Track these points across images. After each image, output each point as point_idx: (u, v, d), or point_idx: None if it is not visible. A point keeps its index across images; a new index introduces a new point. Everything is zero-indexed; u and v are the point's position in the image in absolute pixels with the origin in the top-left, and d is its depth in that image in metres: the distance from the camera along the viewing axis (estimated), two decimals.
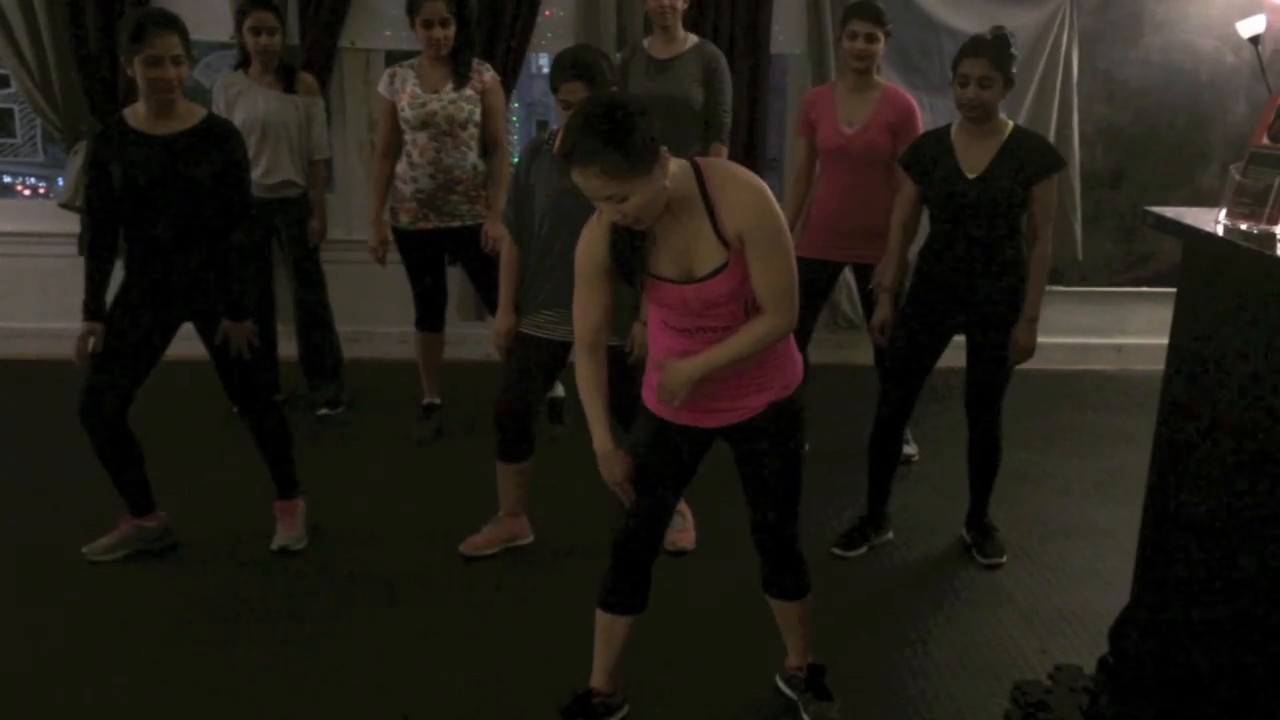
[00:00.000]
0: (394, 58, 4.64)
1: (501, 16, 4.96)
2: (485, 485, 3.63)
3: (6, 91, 5.18)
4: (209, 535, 3.61)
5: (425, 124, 4.11)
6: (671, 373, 2.35)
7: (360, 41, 5.10)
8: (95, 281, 3.25)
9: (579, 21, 5.03)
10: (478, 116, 4.17)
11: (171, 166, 3.11)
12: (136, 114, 3.17)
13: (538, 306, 3.27)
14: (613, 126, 2.08)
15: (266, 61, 4.37)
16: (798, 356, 2.52)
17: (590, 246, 2.35)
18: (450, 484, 4.06)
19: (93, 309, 3.24)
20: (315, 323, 4.68)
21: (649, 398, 2.49)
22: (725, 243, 2.25)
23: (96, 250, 3.25)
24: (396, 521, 3.75)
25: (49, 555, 3.46)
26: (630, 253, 2.29)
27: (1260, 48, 4.89)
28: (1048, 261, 3.38)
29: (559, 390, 4.05)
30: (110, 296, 3.30)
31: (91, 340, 3.23)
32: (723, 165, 2.37)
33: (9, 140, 5.03)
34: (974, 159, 3.28)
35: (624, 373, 3.06)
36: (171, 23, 3.09)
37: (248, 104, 4.35)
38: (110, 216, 3.21)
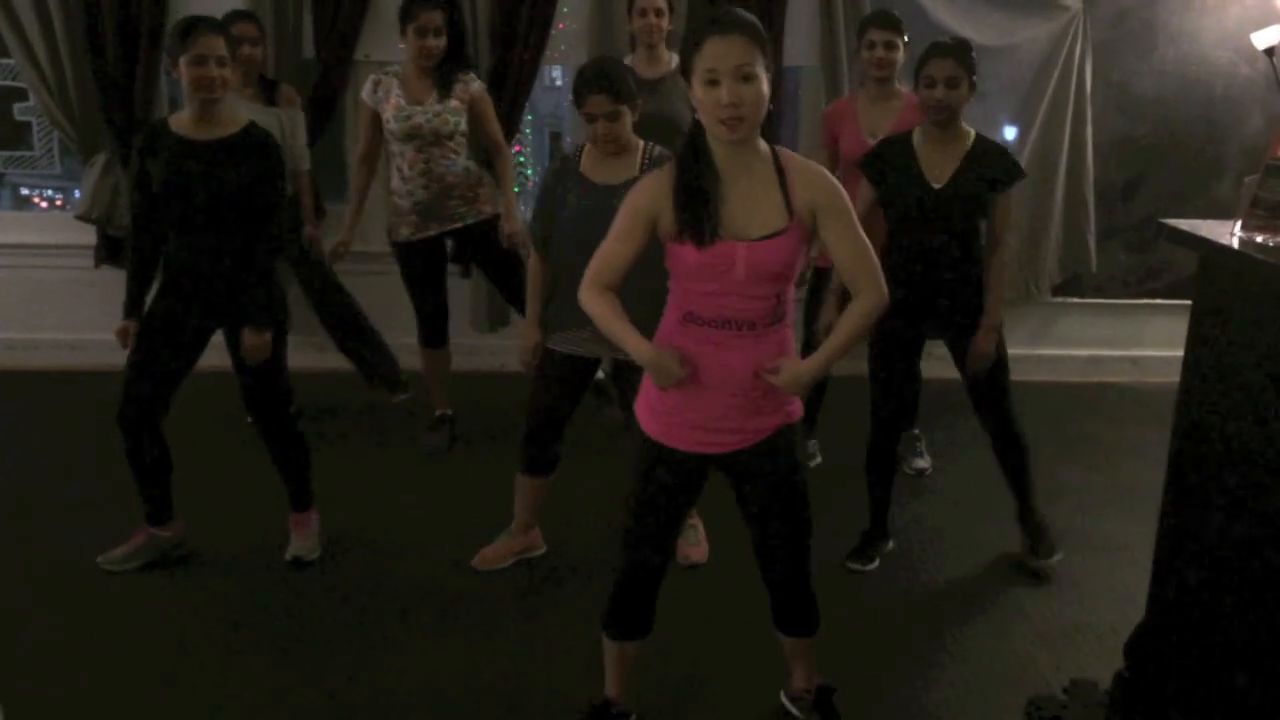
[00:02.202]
0: None
1: (515, 29, 4.98)
2: (496, 496, 3.63)
3: (24, 105, 5.28)
4: (221, 545, 3.61)
5: (410, 136, 4.11)
6: (791, 377, 2.29)
7: (375, 54, 5.12)
8: (136, 280, 3.32)
9: (593, 34, 5.05)
10: (463, 127, 4.16)
11: (209, 171, 3.14)
12: (180, 120, 3.22)
13: (568, 324, 3.23)
14: (753, 19, 2.18)
15: (247, 73, 4.38)
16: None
17: (649, 192, 2.28)
18: (461, 495, 4.07)
19: (130, 307, 3.30)
20: (344, 308, 4.71)
21: (646, 420, 2.43)
22: (789, 212, 2.24)
23: (137, 249, 3.32)
24: (408, 532, 3.76)
25: (65, 564, 3.47)
26: (702, 203, 2.22)
27: (1275, 60, 4.87)
28: (1005, 268, 3.42)
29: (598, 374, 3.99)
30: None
31: (126, 335, 3.29)
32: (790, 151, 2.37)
33: (27, 153, 5.08)
34: (939, 167, 3.29)
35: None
36: (218, 26, 3.17)
37: None
38: (150, 217, 3.26)
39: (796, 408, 2.43)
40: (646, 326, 2.37)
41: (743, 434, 2.37)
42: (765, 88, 2.16)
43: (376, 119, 4.19)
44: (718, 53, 2.12)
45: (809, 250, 2.35)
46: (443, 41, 4.09)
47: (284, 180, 3.37)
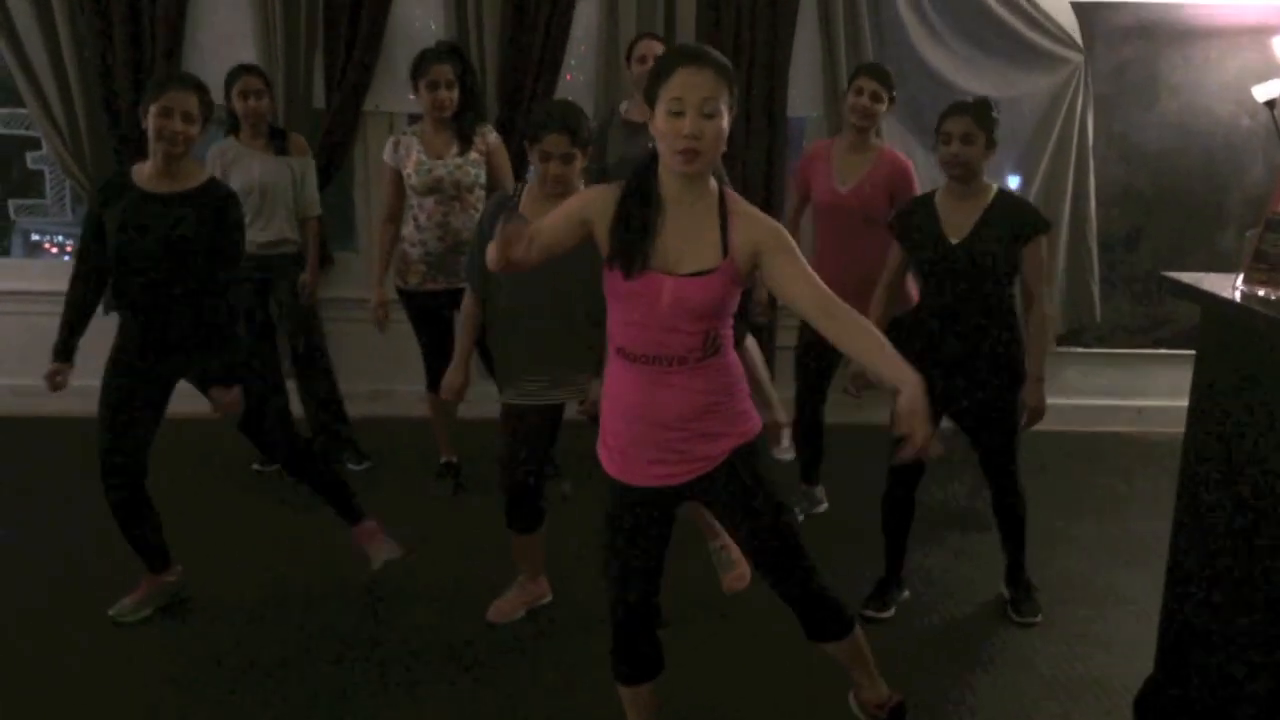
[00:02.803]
0: (417, 120, 4.71)
1: (523, 80, 5.05)
2: (503, 543, 3.62)
3: (37, 153, 5.40)
4: (219, 591, 3.61)
5: (432, 189, 4.17)
6: (909, 416, 2.07)
7: (384, 105, 5.19)
8: (70, 326, 3.34)
9: (599, 85, 5.11)
10: (483, 179, 4.23)
11: (165, 225, 3.17)
12: (142, 171, 3.26)
13: (519, 375, 3.20)
14: (722, 55, 2.21)
15: (256, 125, 4.45)
16: (752, 409, 2.42)
17: (589, 200, 2.29)
18: (467, 542, 4.06)
19: (60, 350, 3.34)
20: (315, 376, 4.73)
21: (605, 461, 2.41)
22: (724, 252, 2.23)
23: (73, 296, 3.34)
24: (412, 579, 3.74)
25: (63, 610, 3.47)
26: (638, 232, 2.22)
27: (1276, 112, 4.92)
28: (1046, 322, 3.41)
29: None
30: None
31: (54, 378, 3.32)
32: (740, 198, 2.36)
33: (39, 201, 5.16)
34: (958, 223, 3.31)
35: None
36: (196, 85, 3.22)
37: (243, 169, 4.43)
38: (92, 266, 3.30)
39: (751, 425, 2.39)
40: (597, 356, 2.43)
41: (693, 463, 2.35)
42: (725, 126, 2.17)
43: (398, 179, 4.25)
44: (687, 83, 2.14)
45: (739, 293, 2.31)
46: (455, 94, 4.15)
47: (243, 227, 3.38)
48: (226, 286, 3.29)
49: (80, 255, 3.33)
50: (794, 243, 2.27)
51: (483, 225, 3.23)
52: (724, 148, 2.22)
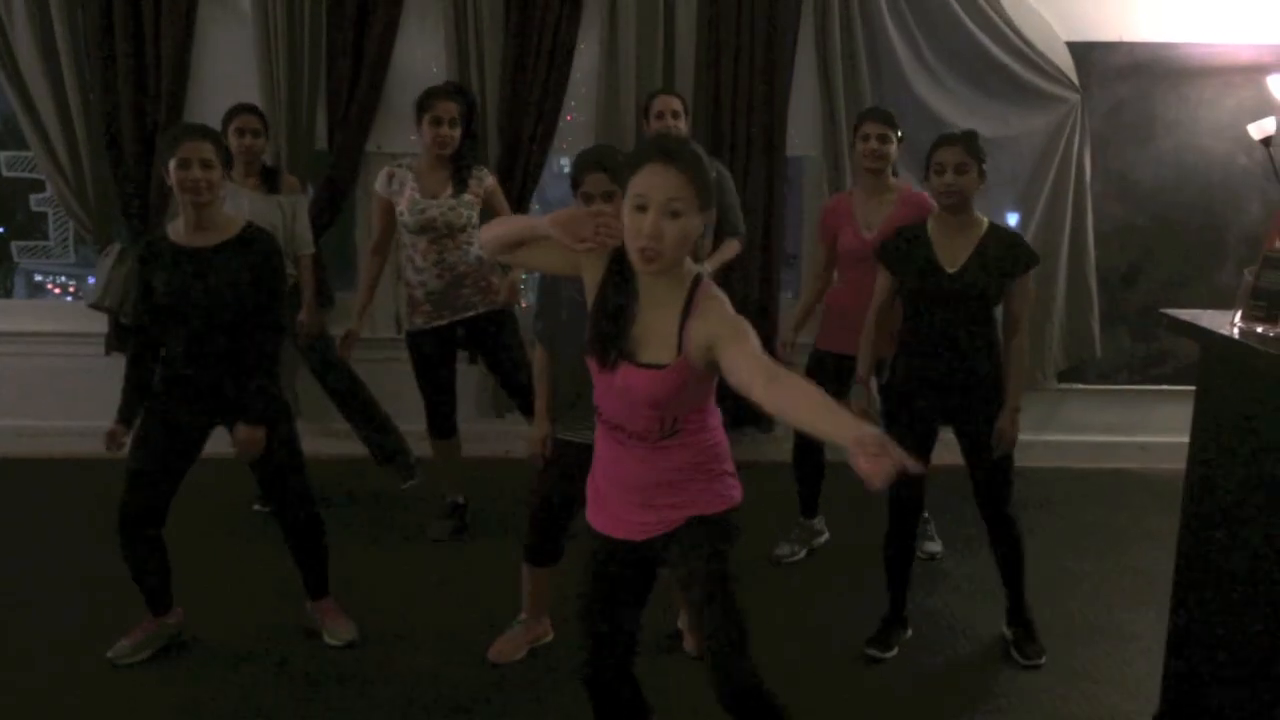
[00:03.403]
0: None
1: (524, 120, 5.09)
2: (504, 584, 3.61)
3: (40, 195, 5.44)
4: (221, 635, 3.59)
5: (424, 229, 4.17)
6: (858, 456, 1.75)
7: (386, 146, 5.23)
8: (133, 388, 3.32)
9: (599, 125, 5.15)
10: (476, 220, 4.21)
11: (206, 279, 3.18)
12: (177, 229, 3.27)
13: (575, 414, 3.26)
14: (700, 155, 2.17)
15: (249, 163, 4.47)
16: (727, 487, 2.34)
17: (596, 263, 2.25)
18: (469, 582, 4.04)
19: (124, 412, 3.31)
20: (352, 396, 4.75)
21: (589, 513, 2.44)
22: (678, 350, 2.17)
23: (136, 360, 3.34)
24: (414, 620, 3.72)
25: (67, 651, 3.45)
26: (614, 321, 2.20)
27: (1272, 150, 4.95)
28: (1026, 352, 3.46)
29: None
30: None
31: (116, 439, 3.28)
32: (718, 291, 2.25)
33: (42, 242, 5.20)
34: (952, 253, 3.33)
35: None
36: (206, 133, 3.23)
37: (233, 207, 4.42)
38: (150, 331, 3.30)
39: (716, 502, 2.31)
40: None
41: (645, 525, 2.33)
42: (693, 225, 2.12)
43: (390, 210, 4.25)
44: (653, 181, 2.08)
45: (708, 388, 2.26)
46: (458, 132, 4.17)
47: (284, 274, 3.40)
48: (264, 331, 3.28)
49: (138, 330, 3.35)
50: (749, 329, 2.13)
51: (545, 282, 3.29)
52: (689, 247, 2.15)
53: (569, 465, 3.26)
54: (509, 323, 4.35)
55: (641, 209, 2.09)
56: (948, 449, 3.61)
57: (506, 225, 2.39)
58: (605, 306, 2.21)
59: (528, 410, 4.23)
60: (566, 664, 3.43)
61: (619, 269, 2.22)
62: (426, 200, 4.17)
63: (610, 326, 2.21)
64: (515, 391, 4.33)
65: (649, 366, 2.19)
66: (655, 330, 2.20)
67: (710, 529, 2.30)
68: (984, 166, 3.32)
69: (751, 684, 2.27)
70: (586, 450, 3.23)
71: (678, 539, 2.31)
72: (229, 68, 5.12)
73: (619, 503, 2.35)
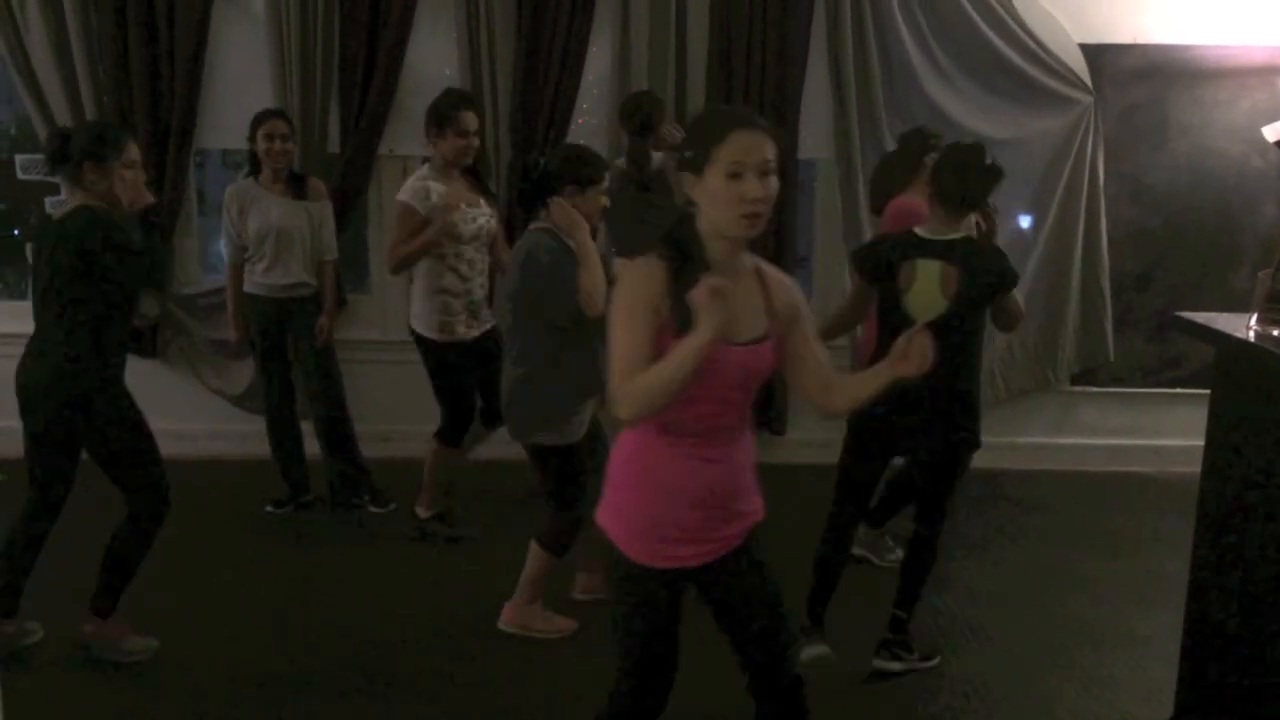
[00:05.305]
0: (426, 162, 4.73)
1: (536, 123, 5.10)
2: (503, 583, 3.61)
3: (55, 199, 5.46)
4: (220, 631, 3.59)
5: (475, 236, 4.15)
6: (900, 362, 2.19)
7: (398, 149, 5.24)
8: None
9: (611, 129, 5.15)
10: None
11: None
12: None
13: (566, 413, 3.34)
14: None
15: (277, 169, 4.48)
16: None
17: (645, 283, 2.12)
18: (469, 582, 4.03)
19: None
20: (333, 418, 4.72)
21: (628, 544, 2.23)
22: (770, 318, 2.21)
23: None
24: (413, 621, 3.72)
25: (65, 652, 3.43)
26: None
27: None
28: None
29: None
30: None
31: None
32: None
33: None
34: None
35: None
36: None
37: (260, 212, 4.47)
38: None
39: (761, 504, 2.33)
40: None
41: (709, 544, 2.24)
42: (778, 185, 2.14)
43: (423, 227, 4.07)
44: (746, 146, 2.09)
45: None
46: (478, 142, 4.19)
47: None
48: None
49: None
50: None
51: (555, 265, 3.30)
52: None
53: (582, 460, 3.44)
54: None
55: (736, 176, 2.08)
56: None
57: (660, 375, 2.08)
58: (681, 283, 2.09)
59: (490, 424, 4.37)
60: (568, 668, 3.44)
61: (686, 253, 2.13)
62: (472, 209, 4.14)
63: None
64: (495, 416, 4.22)
65: (752, 343, 2.17)
66: (741, 307, 2.13)
67: (756, 540, 2.30)
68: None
69: (799, 679, 2.35)
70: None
71: (733, 557, 2.27)
72: (242, 70, 5.14)
73: (676, 527, 2.22)
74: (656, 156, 4.56)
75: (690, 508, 2.20)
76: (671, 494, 2.20)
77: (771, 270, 2.27)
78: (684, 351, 2.02)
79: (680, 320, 2.07)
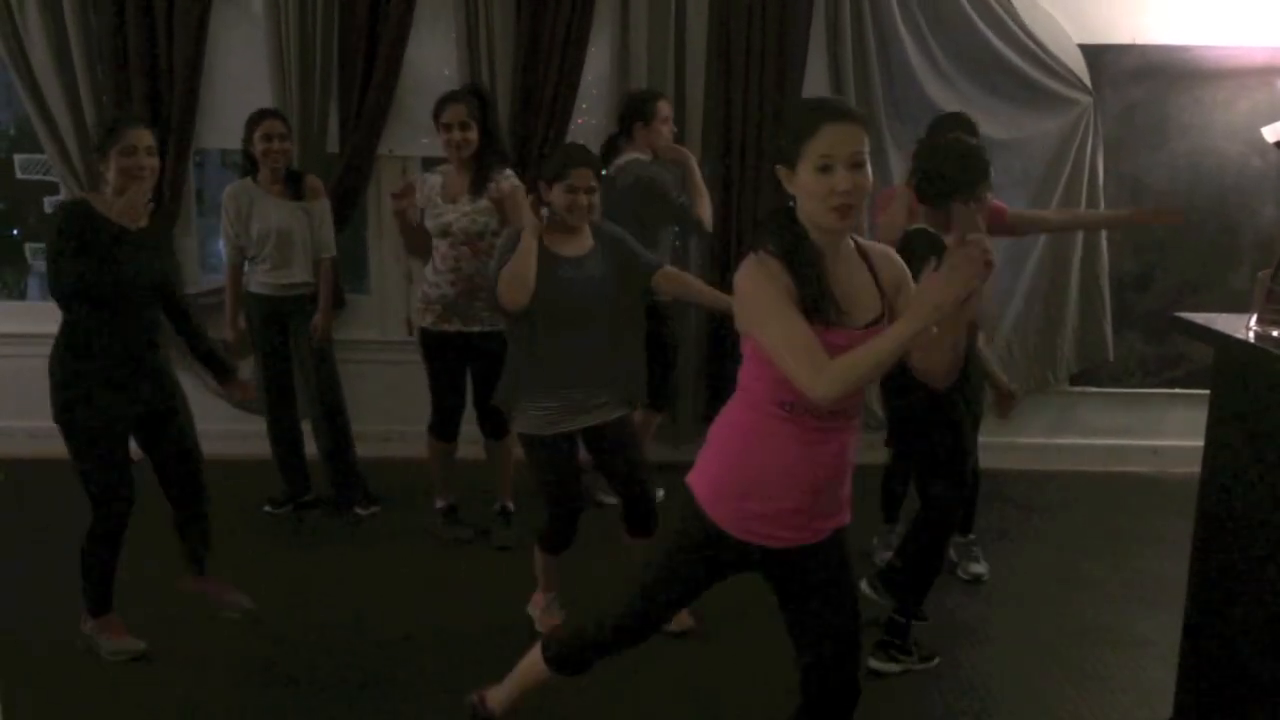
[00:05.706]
0: (430, 164, 4.76)
1: (535, 123, 5.10)
2: (504, 584, 3.61)
3: (54, 198, 5.46)
4: (220, 635, 3.58)
5: (443, 234, 4.15)
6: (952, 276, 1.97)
7: (398, 149, 5.24)
8: None
9: (610, 127, 5.13)
10: (494, 226, 4.14)
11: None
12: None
13: (573, 401, 3.34)
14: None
15: (275, 169, 4.48)
16: None
17: (772, 272, 2.13)
18: (469, 582, 4.04)
19: None
20: (330, 417, 4.72)
21: (711, 503, 2.27)
22: (881, 296, 2.21)
23: None
24: (413, 621, 3.72)
25: (66, 652, 3.44)
26: (817, 284, 2.12)
27: None
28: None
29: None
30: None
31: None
32: None
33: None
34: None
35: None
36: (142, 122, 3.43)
37: (261, 214, 4.46)
38: None
39: (849, 511, 2.35)
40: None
41: (806, 531, 2.26)
42: (870, 175, 2.12)
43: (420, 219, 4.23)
44: (836, 139, 2.08)
45: None
46: (472, 134, 4.13)
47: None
48: None
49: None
50: None
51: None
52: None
53: (570, 457, 3.42)
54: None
55: (826, 169, 2.08)
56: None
57: (871, 353, 2.05)
58: (806, 278, 2.12)
59: (493, 435, 4.38)
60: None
61: (795, 244, 2.14)
62: (445, 205, 4.15)
63: (821, 288, 2.12)
64: (489, 414, 4.26)
65: (872, 325, 2.17)
66: (853, 290, 2.17)
67: (843, 541, 2.33)
68: None
69: (858, 688, 2.39)
70: (571, 439, 3.40)
71: (817, 550, 2.28)
72: (241, 70, 5.14)
73: (790, 506, 2.23)
74: (649, 159, 4.49)
75: (796, 488, 2.22)
76: (782, 470, 2.22)
77: (872, 246, 2.27)
78: (892, 339, 2.00)
79: (806, 309, 2.09)
